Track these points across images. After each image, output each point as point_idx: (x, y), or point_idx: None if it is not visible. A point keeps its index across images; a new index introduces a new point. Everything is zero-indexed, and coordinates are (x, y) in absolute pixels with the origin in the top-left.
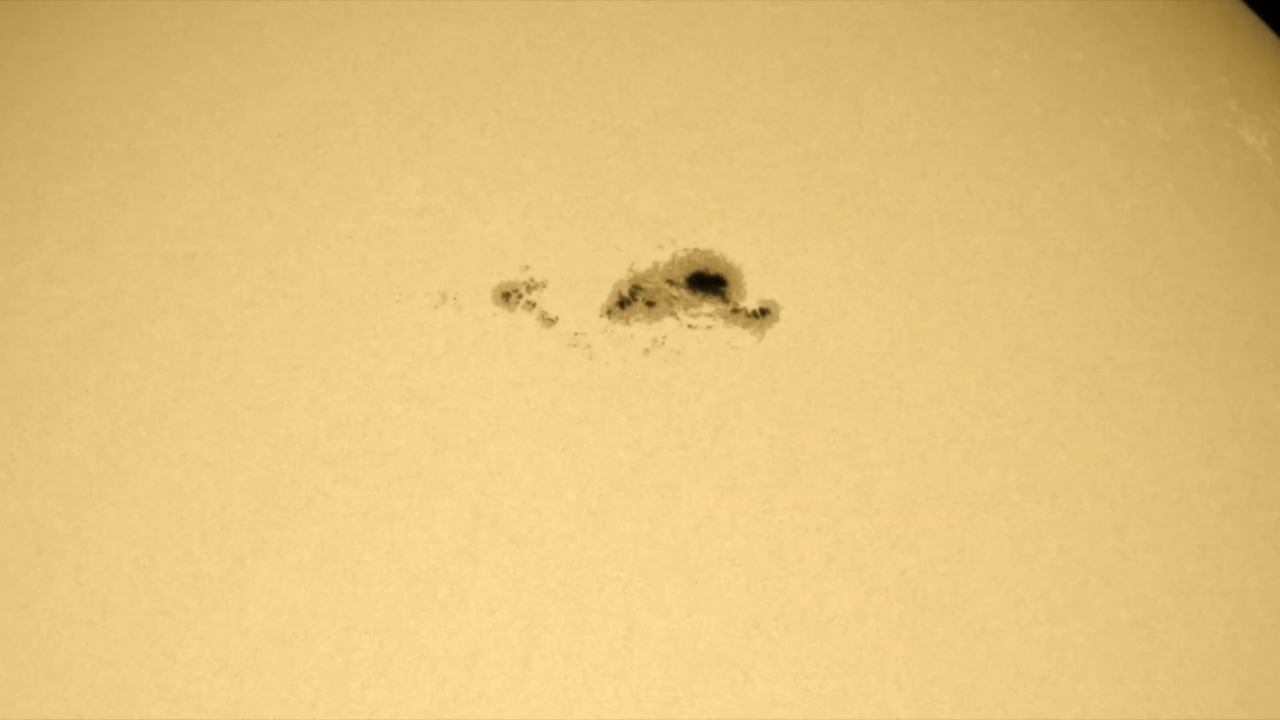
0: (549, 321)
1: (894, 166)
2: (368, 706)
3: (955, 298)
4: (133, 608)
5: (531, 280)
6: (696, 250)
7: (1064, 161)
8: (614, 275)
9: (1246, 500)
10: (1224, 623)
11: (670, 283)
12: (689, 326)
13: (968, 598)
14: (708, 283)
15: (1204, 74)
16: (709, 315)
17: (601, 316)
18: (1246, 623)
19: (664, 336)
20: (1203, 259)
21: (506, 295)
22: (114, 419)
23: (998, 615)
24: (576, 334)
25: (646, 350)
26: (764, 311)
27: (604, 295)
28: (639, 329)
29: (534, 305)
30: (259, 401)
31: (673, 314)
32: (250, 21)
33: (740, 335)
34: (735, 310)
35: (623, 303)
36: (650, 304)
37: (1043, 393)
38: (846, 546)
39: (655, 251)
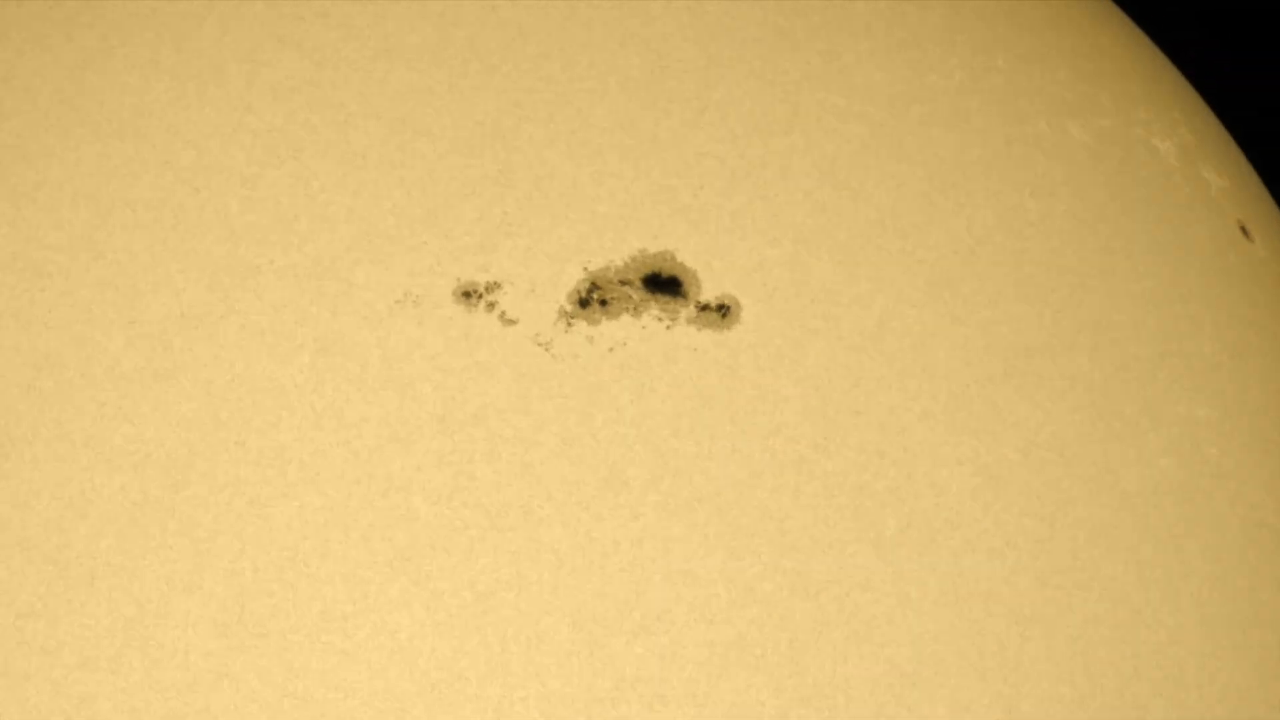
0: (509, 322)
1: (839, 169)
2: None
3: (899, 295)
4: (31, 586)
5: (492, 281)
6: (650, 252)
7: (998, 164)
8: (571, 276)
9: (1158, 497)
10: (1164, 629)
11: (626, 283)
12: (646, 327)
13: (922, 597)
14: (663, 284)
15: (1112, 80)
16: (667, 315)
17: (561, 318)
18: (1184, 627)
19: (625, 338)
20: (1133, 263)
21: (467, 294)
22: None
23: (959, 611)
24: (537, 334)
25: (611, 349)
26: (724, 310)
27: (562, 296)
28: (600, 330)
29: (494, 305)
30: (221, 406)
31: (631, 314)
32: (194, 15)
33: (698, 335)
34: (696, 309)
35: (583, 303)
36: (604, 302)
37: (989, 384)
38: (804, 549)
39: (609, 253)
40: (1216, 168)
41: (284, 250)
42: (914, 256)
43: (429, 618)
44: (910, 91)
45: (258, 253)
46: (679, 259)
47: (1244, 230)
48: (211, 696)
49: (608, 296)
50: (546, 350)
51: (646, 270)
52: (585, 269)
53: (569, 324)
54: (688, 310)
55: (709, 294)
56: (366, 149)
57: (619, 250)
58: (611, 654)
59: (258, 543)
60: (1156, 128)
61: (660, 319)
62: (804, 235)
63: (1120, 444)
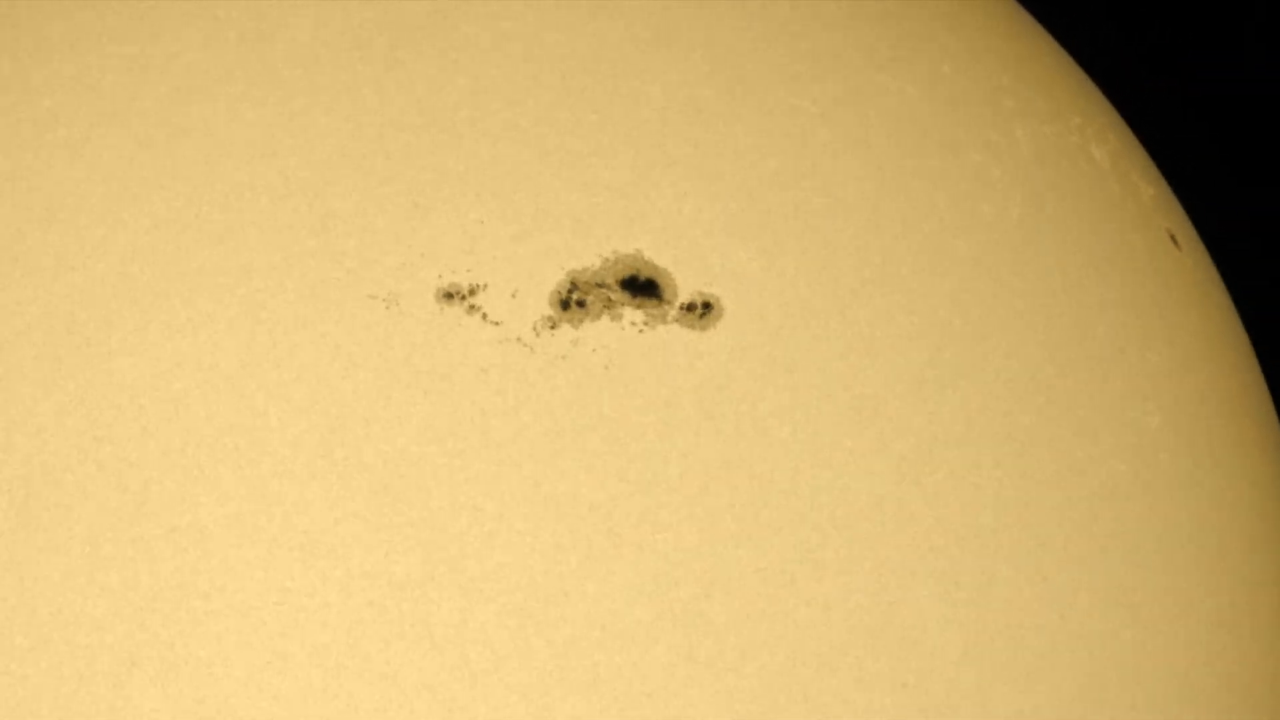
0: (493, 324)
1: (806, 173)
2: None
3: (860, 298)
4: None
5: (475, 284)
6: (627, 254)
7: (955, 169)
8: (552, 279)
9: (1113, 502)
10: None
11: (605, 286)
12: (625, 329)
13: (908, 594)
14: (641, 286)
15: (1046, 86)
16: (646, 317)
17: (544, 319)
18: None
19: (605, 338)
20: (1085, 269)
21: (449, 295)
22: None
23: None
24: (519, 338)
25: (594, 351)
26: (706, 309)
27: (544, 298)
28: (582, 331)
29: (476, 308)
30: (214, 403)
31: (612, 316)
32: (188, 12)
33: (680, 335)
34: (675, 310)
35: (564, 304)
36: (581, 304)
37: (941, 386)
38: (793, 549)
39: (589, 256)
40: (1142, 175)
41: (263, 250)
42: (878, 260)
43: (417, 616)
44: (865, 93)
45: (237, 252)
46: (655, 260)
47: (1173, 239)
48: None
49: (591, 301)
50: (530, 351)
51: (625, 273)
52: (565, 270)
53: (552, 326)
54: (667, 311)
55: (687, 295)
56: (344, 152)
57: (597, 252)
58: (600, 656)
59: (246, 539)
60: (1090, 134)
61: (639, 320)
62: (776, 237)
63: (1075, 447)
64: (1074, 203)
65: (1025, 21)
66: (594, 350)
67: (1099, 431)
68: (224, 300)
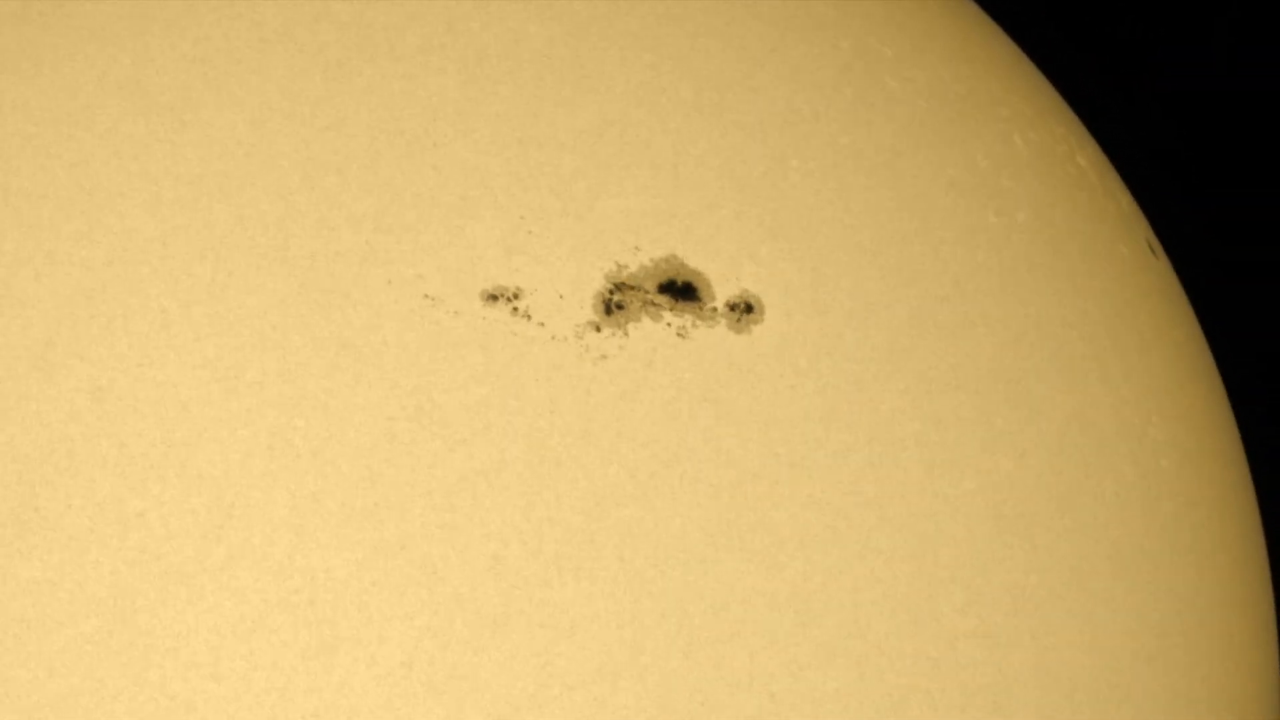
0: (539, 325)
1: (831, 180)
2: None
3: (877, 302)
4: None
5: (518, 288)
6: (665, 258)
7: (961, 171)
8: (594, 282)
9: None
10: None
11: (645, 289)
12: (669, 329)
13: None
14: (680, 290)
15: (1027, 92)
16: (689, 320)
17: (589, 322)
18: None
19: (653, 341)
20: (1083, 277)
21: (494, 297)
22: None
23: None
24: (569, 337)
25: (637, 353)
26: (745, 311)
27: (588, 301)
28: (629, 333)
29: (518, 310)
30: (242, 401)
31: (656, 319)
32: (232, 13)
33: (723, 337)
34: (714, 312)
35: (608, 308)
36: (620, 306)
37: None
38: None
39: (629, 258)
40: (1115, 184)
41: (308, 253)
42: (898, 268)
43: (475, 611)
44: (878, 101)
45: (283, 254)
46: (694, 265)
47: (1151, 247)
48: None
49: (633, 304)
50: (576, 352)
51: (664, 277)
52: (606, 275)
53: (595, 329)
54: (706, 313)
55: (727, 297)
56: (391, 155)
57: (638, 256)
58: (658, 655)
59: (279, 538)
60: (1074, 142)
61: (680, 323)
62: (812, 242)
63: (1086, 449)
64: (1070, 210)
65: (990, 25)
66: (636, 352)
67: (1114, 438)
68: (262, 303)
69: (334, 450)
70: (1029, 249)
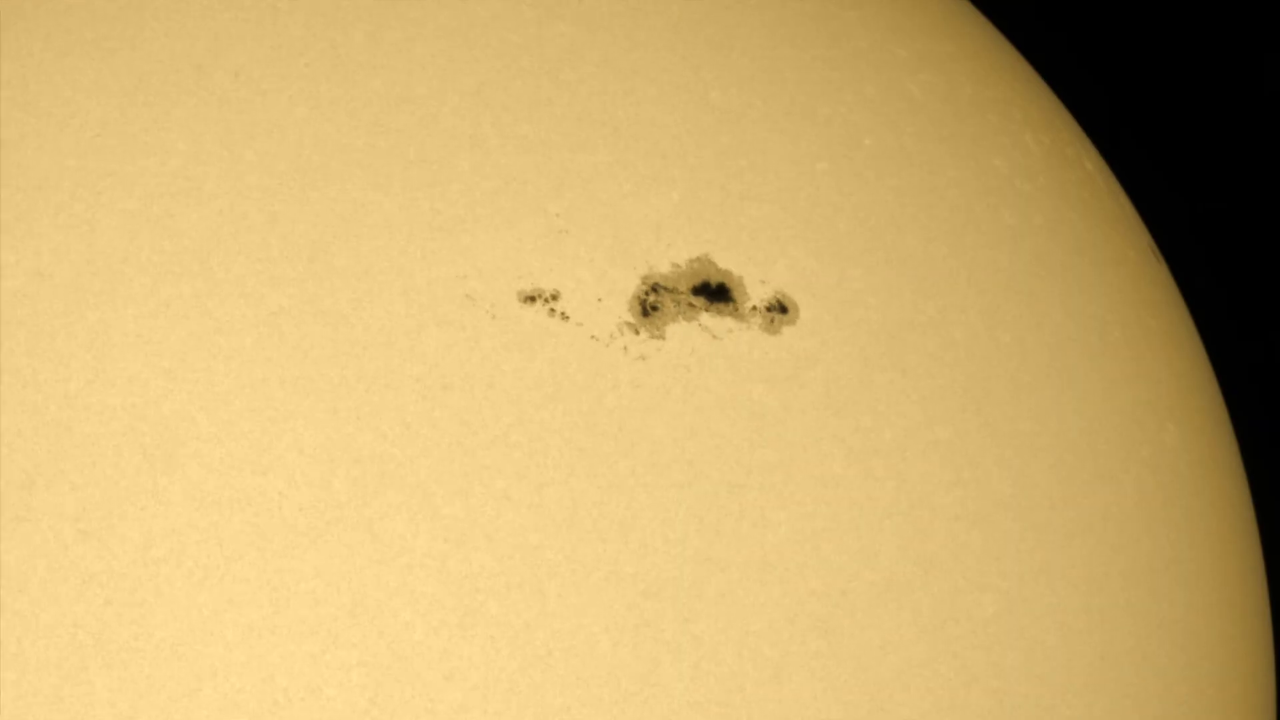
0: (577, 325)
1: (855, 179)
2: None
3: (904, 301)
4: None
5: (556, 290)
6: (698, 259)
7: (978, 175)
8: (630, 283)
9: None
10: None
11: (680, 291)
12: (703, 330)
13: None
14: (714, 292)
15: (1034, 95)
16: (725, 321)
17: (625, 323)
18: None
19: (691, 342)
20: (1095, 279)
21: (531, 299)
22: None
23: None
24: (608, 338)
25: (674, 354)
26: (783, 309)
27: (624, 303)
28: (668, 334)
29: (556, 311)
30: (282, 404)
31: (692, 321)
32: (265, 4)
33: (756, 339)
34: (747, 314)
35: (645, 309)
36: (656, 308)
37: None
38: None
39: (662, 261)
40: (1117, 188)
41: (345, 254)
42: (925, 269)
43: (521, 603)
44: (898, 103)
45: (318, 256)
46: (727, 267)
47: (1154, 252)
48: None
49: (669, 306)
50: (614, 353)
51: (697, 280)
52: (642, 277)
53: (634, 330)
54: (743, 313)
55: (760, 298)
56: (425, 159)
57: (671, 258)
58: (707, 646)
59: (323, 542)
60: (1081, 146)
61: (715, 325)
62: (842, 244)
63: (1102, 454)
64: (1083, 213)
65: (989, 26)
66: (674, 353)
67: (1129, 443)
68: (299, 303)
69: (373, 450)
70: (1046, 252)
